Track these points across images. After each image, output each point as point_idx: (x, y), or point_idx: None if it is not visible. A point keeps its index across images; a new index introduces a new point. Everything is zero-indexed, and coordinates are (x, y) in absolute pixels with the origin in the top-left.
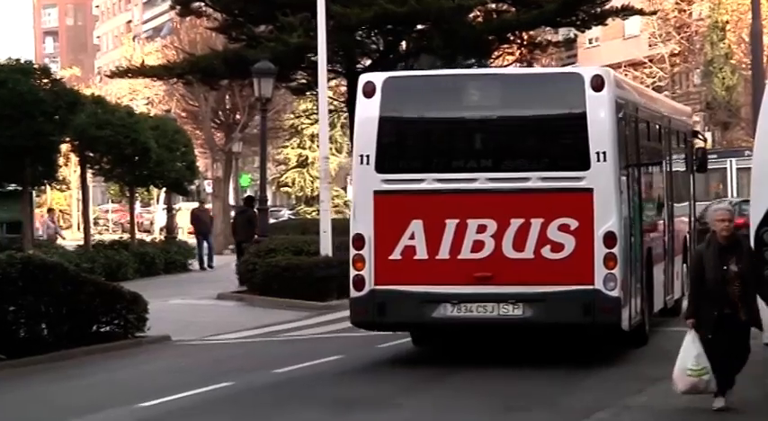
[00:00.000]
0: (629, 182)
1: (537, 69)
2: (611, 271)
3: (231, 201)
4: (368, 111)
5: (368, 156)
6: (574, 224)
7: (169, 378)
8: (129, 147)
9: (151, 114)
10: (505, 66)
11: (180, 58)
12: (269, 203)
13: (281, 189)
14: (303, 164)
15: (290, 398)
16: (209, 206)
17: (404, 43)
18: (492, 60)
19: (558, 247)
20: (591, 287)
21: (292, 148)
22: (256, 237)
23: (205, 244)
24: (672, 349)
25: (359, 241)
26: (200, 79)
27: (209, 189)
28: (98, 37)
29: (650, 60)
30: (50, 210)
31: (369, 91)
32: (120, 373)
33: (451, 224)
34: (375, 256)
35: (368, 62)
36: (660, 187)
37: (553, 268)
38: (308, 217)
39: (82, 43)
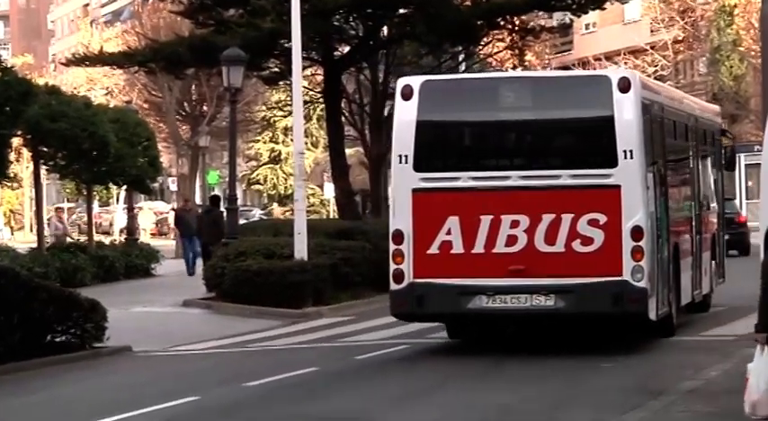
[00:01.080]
0: (656, 179)
1: (567, 72)
2: (639, 263)
3: (198, 200)
4: (406, 112)
5: (406, 156)
6: (602, 219)
7: (129, 392)
8: (86, 142)
9: (111, 106)
10: (495, 53)
11: (142, 45)
12: (239, 202)
13: (252, 187)
14: (276, 160)
15: (260, 414)
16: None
17: (385, 29)
18: (480, 47)
19: (587, 241)
20: (619, 278)
21: (264, 143)
22: (224, 239)
23: (196, 247)
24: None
25: (398, 236)
26: (163, 68)
27: (173, 187)
28: (52, 21)
29: (652, 47)
30: (58, 209)
31: (407, 93)
32: (75, 388)
33: (486, 220)
34: (414, 251)
35: (346, 49)
36: (687, 184)
37: (583, 261)
38: (282, 217)
39: (35, 28)
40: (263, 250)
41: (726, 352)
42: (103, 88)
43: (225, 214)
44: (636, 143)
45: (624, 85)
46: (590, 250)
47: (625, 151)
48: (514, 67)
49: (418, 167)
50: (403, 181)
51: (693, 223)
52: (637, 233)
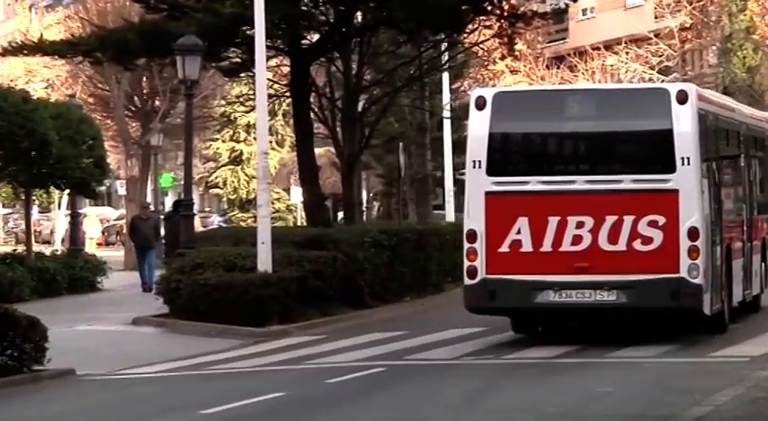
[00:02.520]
0: (710, 184)
1: (629, 85)
2: (695, 261)
3: (150, 206)
4: (479, 122)
5: (480, 162)
6: (661, 220)
7: None
8: (24, 140)
9: (52, 100)
10: (481, 42)
11: (87, 32)
12: (196, 208)
13: (211, 191)
14: (237, 160)
15: None
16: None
17: (359, 14)
18: (465, 35)
19: (647, 241)
20: (677, 275)
21: (224, 142)
22: (179, 249)
23: (153, 259)
24: None
25: (472, 236)
26: (111, 58)
27: (121, 191)
28: None
29: (656, 35)
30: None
31: (480, 104)
32: (10, 416)
33: (553, 221)
34: (486, 249)
35: (315, 37)
36: (739, 189)
37: (643, 259)
38: (243, 224)
39: None
40: (222, 262)
41: (738, 375)
42: (44, 81)
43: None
44: (692, 150)
45: (682, 97)
46: (650, 249)
47: (683, 158)
48: (503, 58)
49: (491, 172)
50: (476, 185)
51: (744, 227)
52: (693, 233)
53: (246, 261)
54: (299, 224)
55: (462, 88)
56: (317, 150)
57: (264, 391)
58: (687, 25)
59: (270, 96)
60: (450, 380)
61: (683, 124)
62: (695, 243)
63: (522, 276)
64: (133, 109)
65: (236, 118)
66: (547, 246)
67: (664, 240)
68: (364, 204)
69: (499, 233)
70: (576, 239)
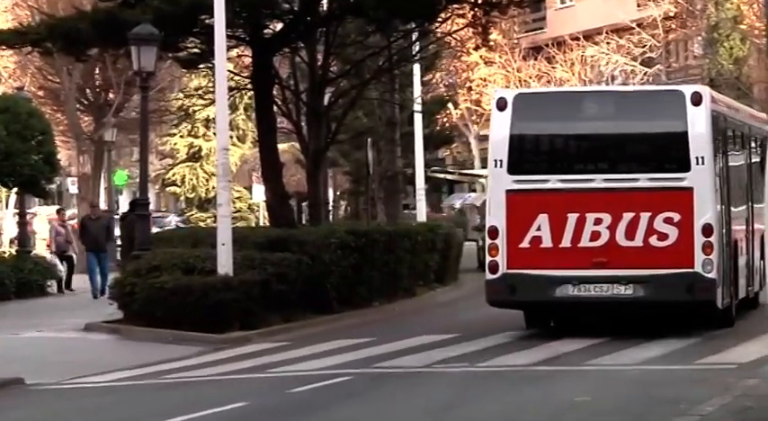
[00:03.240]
0: (721, 182)
1: (645, 87)
2: (709, 256)
3: (103, 205)
4: (501, 122)
5: (501, 161)
6: (676, 217)
7: None
8: None
9: None
10: (454, 31)
11: (36, 21)
12: (152, 207)
13: (168, 189)
14: (195, 157)
15: None
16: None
17: (325, 2)
18: (438, 24)
19: (663, 237)
20: (691, 270)
21: (182, 137)
22: (134, 251)
23: (105, 262)
24: None
25: (493, 232)
26: (61, 48)
27: (73, 189)
28: None
29: (639, 25)
30: (60, 211)
31: (502, 105)
32: None
33: (572, 217)
34: (507, 245)
35: (279, 26)
36: (743, 188)
37: (659, 254)
38: (202, 225)
39: None
40: (180, 264)
41: (724, 384)
42: None
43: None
44: (707, 150)
45: (696, 99)
46: (665, 245)
47: (697, 157)
48: (477, 48)
49: (512, 171)
50: (498, 183)
51: (747, 225)
52: (707, 230)
53: (206, 263)
54: (261, 224)
55: (434, 80)
56: (281, 146)
57: (225, 401)
58: (671, 14)
59: (230, 89)
60: (420, 390)
61: (698, 125)
62: (709, 239)
63: (542, 271)
64: (85, 102)
65: (194, 112)
66: (566, 242)
67: (679, 236)
68: (330, 203)
69: (520, 229)
70: (595, 235)
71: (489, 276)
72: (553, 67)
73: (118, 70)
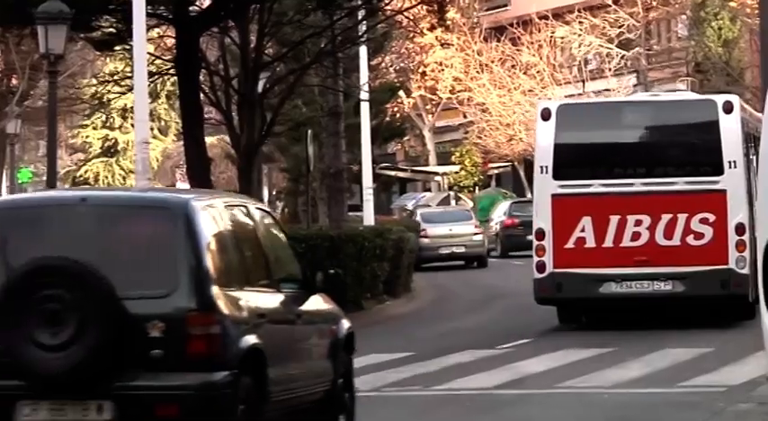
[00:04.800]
0: (750, 184)
1: (679, 96)
2: (742, 253)
3: None
4: (546, 131)
5: (546, 167)
6: (711, 217)
7: None
8: None
9: None
10: (406, 9)
11: None
12: None
13: (80, 187)
14: (111, 151)
15: None
16: None
17: None
18: (387, 1)
19: (699, 236)
20: (726, 267)
21: (95, 129)
22: None
23: None
24: None
25: (540, 234)
26: None
27: None
28: None
29: (615, 2)
30: None
31: (546, 115)
32: None
33: (614, 219)
34: (553, 245)
35: (206, 3)
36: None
37: (696, 252)
38: None
39: None
40: None
41: (714, 408)
42: None
43: None
44: (738, 155)
45: (728, 107)
46: (701, 243)
47: (729, 162)
48: (432, 28)
49: (557, 176)
50: (544, 188)
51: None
52: (740, 229)
53: None
54: None
55: (383, 65)
56: (209, 139)
57: None
58: None
59: (151, 74)
60: (366, 418)
61: (729, 131)
62: (742, 237)
63: (587, 269)
64: None
65: (109, 100)
66: (608, 242)
67: (714, 235)
68: (266, 204)
69: (565, 231)
70: (635, 236)
71: (537, 275)
72: (518, 50)
73: (22, 53)
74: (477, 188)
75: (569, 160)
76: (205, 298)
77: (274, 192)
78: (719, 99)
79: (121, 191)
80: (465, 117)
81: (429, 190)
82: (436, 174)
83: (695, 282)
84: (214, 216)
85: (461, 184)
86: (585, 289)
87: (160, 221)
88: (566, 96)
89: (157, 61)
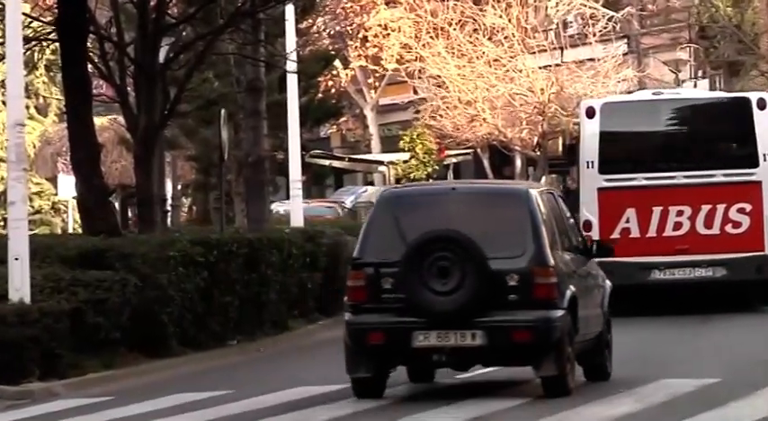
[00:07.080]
0: None
1: (715, 94)
2: None
3: None
4: (591, 128)
5: (592, 162)
6: (748, 207)
7: None
8: None
9: None
10: None
11: None
12: None
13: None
14: None
15: None
16: None
17: None
18: None
19: (737, 225)
20: (762, 253)
21: None
22: None
23: None
24: None
25: (588, 225)
26: None
27: None
28: None
29: None
30: None
31: (590, 113)
32: None
33: (657, 210)
34: (600, 236)
35: None
36: None
37: (734, 240)
38: None
39: None
40: None
41: None
42: None
43: None
44: None
45: (762, 104)
46: (739, 232)
47: (764, 155)
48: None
49: (602, 171)
50: (590, 182)
51: None
52: None
53: None
54: (71, 231)
55: (315, 29)
56: (99, 120)
57: None
58: None
59: (26, 40)
60: None
61: (764, 126)
62: None
63: (632, 258)
64: None
65: None
66: (652, 232)
67: (750, 224)
68: (169, 201)
69: (610, 222)
70: (677, 225)
71: None
72: (482, 10)
73: None
74: (431, 180)
75: (614, 155)
76: (546, 257)
77: (180, 187)
78: (753, 96)
79: (479, 182)
80: (416, 93)
81: (372, 183)
82: (381, 163)
83: (733, 268)
84: (542, 200)
85: (412, 176)
86: (632, 276)
87: (511, 204)
88: (540, 67)
89: (35, 23)
